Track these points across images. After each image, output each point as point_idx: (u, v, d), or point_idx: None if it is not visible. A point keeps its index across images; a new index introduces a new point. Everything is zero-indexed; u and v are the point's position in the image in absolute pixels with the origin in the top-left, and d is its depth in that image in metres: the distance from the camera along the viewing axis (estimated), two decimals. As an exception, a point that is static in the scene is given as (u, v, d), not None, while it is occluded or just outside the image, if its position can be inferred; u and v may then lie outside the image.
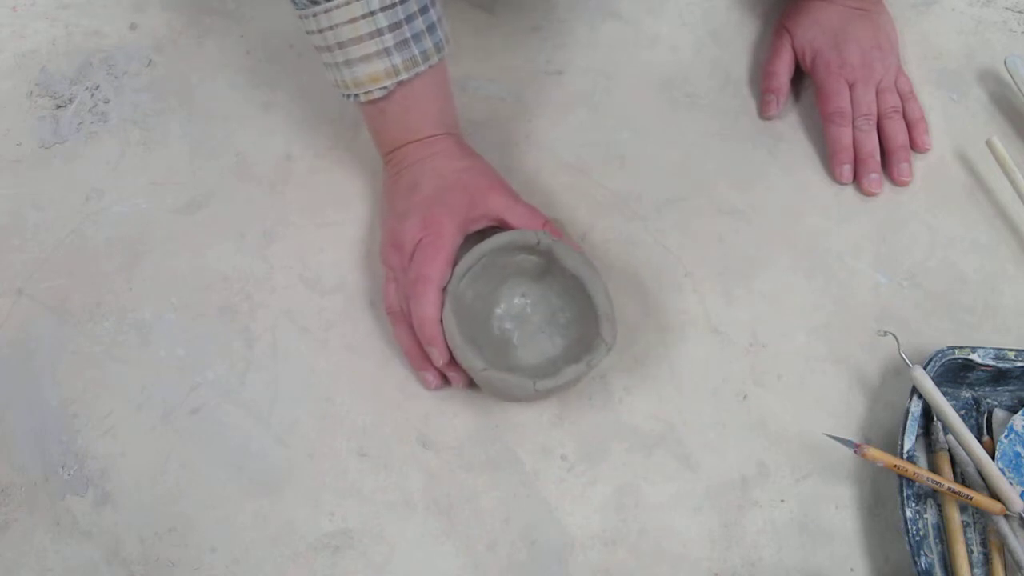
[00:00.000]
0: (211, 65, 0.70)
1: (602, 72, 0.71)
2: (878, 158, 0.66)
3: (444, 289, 0.54)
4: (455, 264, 0.55)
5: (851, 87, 0.67)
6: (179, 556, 0.52)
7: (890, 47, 0.69)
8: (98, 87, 0.69)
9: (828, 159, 0.66)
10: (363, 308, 0.60)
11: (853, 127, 0.66)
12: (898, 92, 0.68)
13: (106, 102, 0.68)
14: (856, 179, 0.66)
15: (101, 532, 0.53)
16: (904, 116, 0.67)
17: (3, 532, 0.53)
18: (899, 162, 0.66)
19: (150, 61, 0.70)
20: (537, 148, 0.67)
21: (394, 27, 0.53)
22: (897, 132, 0.66)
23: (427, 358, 0.55)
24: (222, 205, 0.64)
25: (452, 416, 0.57)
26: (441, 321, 0.53)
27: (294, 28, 0.71)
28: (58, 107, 0.68)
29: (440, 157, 0.58)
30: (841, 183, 0.66)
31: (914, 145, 0.67)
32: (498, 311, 0.58)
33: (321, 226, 0.63)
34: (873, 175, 0.65)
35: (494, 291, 0.58)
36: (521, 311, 0.58)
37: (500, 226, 0.58)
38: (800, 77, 0.71)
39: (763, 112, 0.69)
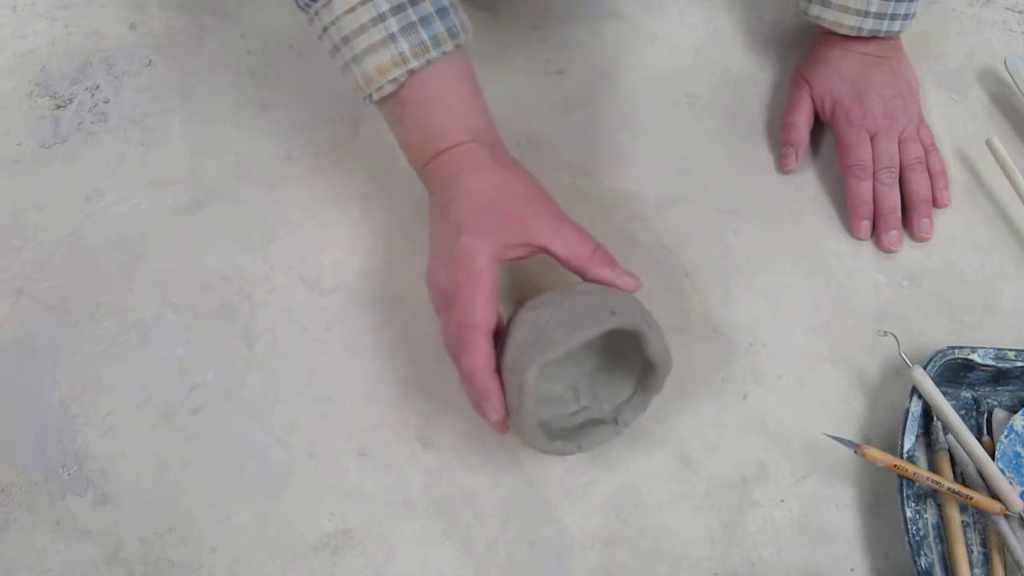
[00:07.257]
0: (211, 65, 0.70)
1: (602, 72, 0.71)
2: (899, 214, 0.63)
3: (494, 332, 0.49)
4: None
5: (872, 138, 0.64)
6: (179, 556, 0.52)
7: (912, 96, 0.66)
8: (98, 87, 0.69)
9: (847, 212, 0.64)
10: (363, 308, 0.60)
11: (874, 180, 0.63)
12: (920, 142, 0.66)
13: (106, 102, 0.68)
14: (875, 234, 0.64)
15: (101, 532, 0.53)
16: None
17: (3, 532, 0.53)
18: (920, 218, 0.64)
19: (150, 61, 0.70)
20: (537, 148, 0.67)
21: (397, 10, 0.50)
22: (921, 186, 0.64)
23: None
24: (222, 205, 0.64)
25: (452, 416, 0.56)
26: (498, 370, 0.49)
27: (294, 28, 0.71)
28: (58, 107, 0.68)
29: (470, 174, 0.52)
30: (859, 239, 0.64)
31: (932, 200, 0.64)
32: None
33: (321, 226, 0.63)
34: (893, 232, 0.63)
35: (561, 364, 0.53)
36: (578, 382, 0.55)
37: (542, 252, 0.52)
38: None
39: (781, 166, 0.66)
